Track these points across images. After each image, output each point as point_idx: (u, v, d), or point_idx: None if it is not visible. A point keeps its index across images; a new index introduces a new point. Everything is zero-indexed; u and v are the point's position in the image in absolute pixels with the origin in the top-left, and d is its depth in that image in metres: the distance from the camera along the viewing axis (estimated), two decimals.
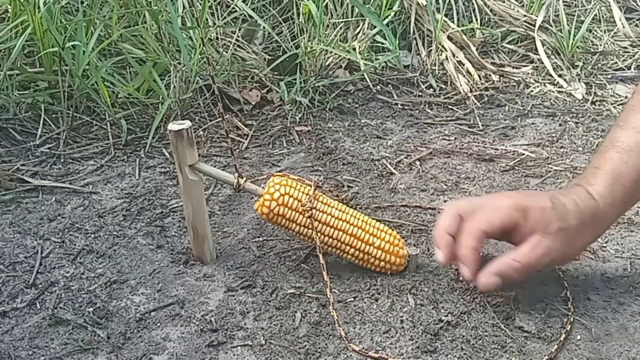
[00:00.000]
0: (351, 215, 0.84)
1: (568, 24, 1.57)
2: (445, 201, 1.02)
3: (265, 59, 1.42)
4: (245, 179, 0.83)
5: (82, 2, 1.29)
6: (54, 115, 1.22)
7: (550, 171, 1.11)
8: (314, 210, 0.81)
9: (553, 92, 1.44)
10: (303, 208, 0.80)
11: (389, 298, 0.80)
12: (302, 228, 0.82)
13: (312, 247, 0.87)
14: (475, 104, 1.38)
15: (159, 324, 0.77)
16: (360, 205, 1.00)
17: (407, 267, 0.84)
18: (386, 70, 1.49)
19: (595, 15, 1.68)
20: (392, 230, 0.86)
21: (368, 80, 1.42)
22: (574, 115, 1.34)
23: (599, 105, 1.39)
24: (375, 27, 1.49)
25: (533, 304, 0.80)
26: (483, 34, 1.60)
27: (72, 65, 1.17)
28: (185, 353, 0.73)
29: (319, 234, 0.81)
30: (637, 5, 1.81)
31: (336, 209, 0.83)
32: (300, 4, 1.49)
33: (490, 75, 1.50)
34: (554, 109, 1.37)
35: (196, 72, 1.26)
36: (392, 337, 0.75)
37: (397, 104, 1.38)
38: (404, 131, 1.27)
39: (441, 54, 1.50)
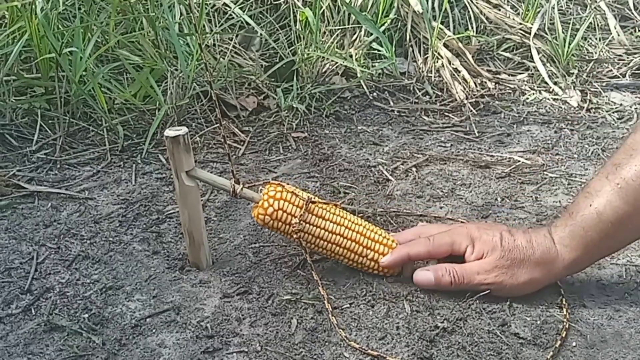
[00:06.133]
0: (346, 228, 0.83)
1: (563, 32, 1.58)
2: (441, 207, 1.03)
3: (262, 65, 1.43)
4: (241, 185, 0.83)
5: (79, 9, 1.29)
6: (50, 121, 1.22)
7: (545, 178, 1.12)
8: (306, 226, 0.81)
9: (548, 99, 1.45)
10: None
11: (385, 304, 0.80)
12: (296, 240, 0.82)
13: (309, 253, 0.88)
14: (471, 111, 1.39)
15: (154, 330, 0.77)
16: (356, 212, 1.00)
17: (402, 271, 0.85)
18: (382, 77, 1.50)
19: (591, 23, 1.70)
20: (388, 234, 0.86)
21: (364, 87, 1.43)
22: (569, 122, 1.35)
23: (594, 112, 1.40)
24: (371, 34, 1.49)
25: (529, 310, 0.80)
26: (479, 42, 1.61)
27: (69, 71, 1.17)
28: (181, 359, 0.73)
29: (313, 245, 0.82)
30: (632, 13, 1.82)
31: (331, 221, 0.83)
32: (297, 11, 1.49)
33: (486, 82, 1.51)
34: (549, 116, 1.38)
35: (193, 79, 1.27)
36: (388, 343, 0.75)
37: (393, 111, 1.38)
38: (400, 138, 1.28)
39: (437, 61, 1.51)
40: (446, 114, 1.38)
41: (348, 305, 0.80)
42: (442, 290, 0.81)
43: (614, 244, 0.80)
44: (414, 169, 1.14)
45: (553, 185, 1.10)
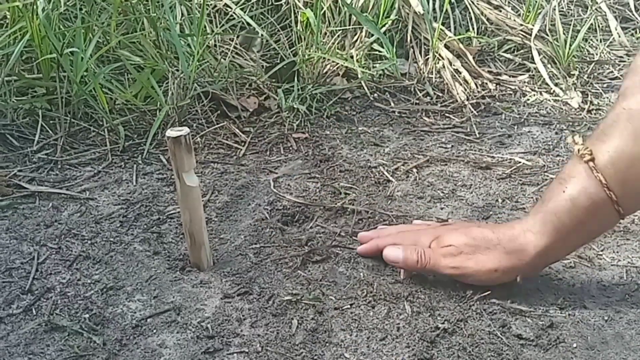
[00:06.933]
0: None
1: (564, 33, 1.58)
2: (442, 208, 1.03)
3: (263, 66, 1.43)
4: None
5: (80, 9, 1.29)
6: (51, 122, 1.22)
7: (546, 179, 1.12)
8: None
9: (549, 100, 1.45)
10: None
11: (385, 305, 0.80)
12: None
13: (309, 252, 0.88)
14: (472, 112, 1.39)
15: (155, 331, 0.77)
16: (356, 212, 1.00)
17: None
18: (383, 78, 1.50)
19: (591, 24, 1.70)
20: None
21: (365, 87, 1.43)
22: (570, 123, 1.35)
23: (595, 114, 1.40)
24: (372, 35, 1.49)
25: (529, 311, 0.80)
26: (480, 43, 1.61)
27: (70, 72, 1.17)
28: None
29: None
30: (633, 15, 1.82)
31: None
32: (298, 12, 1.49)
33: (486, 83, 1.51)
34: (550, 117, 1.38)
35: (194, 79, 1.27)
36: (388, 344, 0.75)
37: (394, 112, 1.38)
38: (401, 139, 1.28)
39: (438, 62, 1.51)
40: (447, 115, 1.38)
41: (349, 306, 0.80)
42: (409, 269, 0.83)
43: (590, 232, 0.80)
44: (414, 170, 1.14)
45: None
